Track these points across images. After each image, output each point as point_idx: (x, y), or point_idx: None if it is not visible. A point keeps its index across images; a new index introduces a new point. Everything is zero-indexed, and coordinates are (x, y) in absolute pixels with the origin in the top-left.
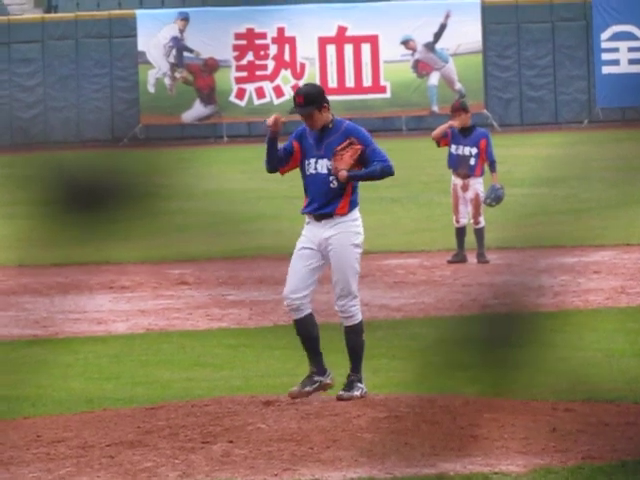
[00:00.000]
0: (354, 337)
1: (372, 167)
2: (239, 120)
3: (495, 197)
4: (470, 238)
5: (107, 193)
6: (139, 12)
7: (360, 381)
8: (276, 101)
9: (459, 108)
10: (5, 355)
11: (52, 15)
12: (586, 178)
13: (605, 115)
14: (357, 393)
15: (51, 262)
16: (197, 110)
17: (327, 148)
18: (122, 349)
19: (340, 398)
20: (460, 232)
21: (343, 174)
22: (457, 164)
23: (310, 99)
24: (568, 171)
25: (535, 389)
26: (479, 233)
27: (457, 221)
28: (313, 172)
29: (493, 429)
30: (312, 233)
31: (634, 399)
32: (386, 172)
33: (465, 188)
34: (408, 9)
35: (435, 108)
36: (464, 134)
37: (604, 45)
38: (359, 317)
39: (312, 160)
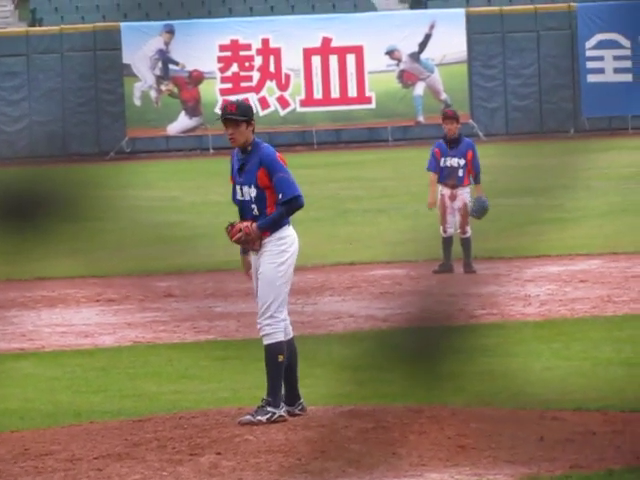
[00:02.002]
0: (267, 357)
1: (279, 211)
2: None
3: (480, 209)
4: (457, 248)
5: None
6: (124, 25)
7: (271, 404)
8: (262, 112)
9: (451, 117)
10: None
11: (37, 28)
12: (572, 187)
13: (591, 124)
14: (262, 418)
15: (37, 276)
16: (182, 122)
17: (247, 174)
18: (109, 362)
19: (239, 422)
20: (447, 242)
21: (253, 231)
22: (446, 176)
23: (242, 110)
24: (554, 180)
25: (522, 398)
26: (466, 243)
27: (444, 231)
28: (240, 198)
29: (480, 439)
30: (253, 258)
31: (621, 408)
32: (294, 208)
33: (453, 198)
34: (393, 19)
35: (421, 118)
36: (451, 145)
37: (589, 54)
38: (275, 338)
39: (238, 187)
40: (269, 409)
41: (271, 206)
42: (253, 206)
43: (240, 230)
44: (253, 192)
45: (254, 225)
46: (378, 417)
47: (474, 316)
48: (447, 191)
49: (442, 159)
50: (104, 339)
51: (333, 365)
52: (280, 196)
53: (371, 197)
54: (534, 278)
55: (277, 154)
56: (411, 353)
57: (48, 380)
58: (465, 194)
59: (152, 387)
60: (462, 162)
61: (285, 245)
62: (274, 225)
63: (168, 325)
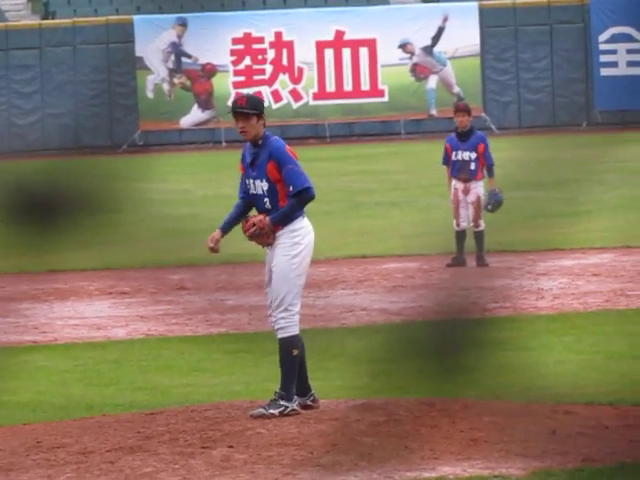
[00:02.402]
0: (281, 351)
1: (290, 204)
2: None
3: (495, 202)
4: (470, 241)
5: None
6: (137, 17)
7: (284, 398)
8: (274, 105)
9: (462, 109)
10: (4, 361)
11: (49, 21)
12: (585, 181)
13: (604, 118)
14: (274, 411)
15: (49, 269)
16: (195, 115)
17: (258, 169)
18: (121, 355)
19: (251, 415)
20: (460, 235)
21: (266, 225)
22: (458, 170)
23: (253, 103)
24: (567, 174)
25: (534, 392)
26: (479, 236)
27: (457, 224)
28: (253, 192)
29: (493, 432)
30: (267, 250)
31: (633, 401)
32: (305, 199)
33: (466, 191)
34: (406, 13)
35: (433, 111)
36: (462, 139)
37: (602, 47)
38: (289, 331)
39: (250, 181)
40: (282, 402)
41: (283, 199)
42: (265, 200)
43: (254, 225)
44: (265, 186)
45: (267, 219)
46: (390, 410)
47: (487, 309)
48: (460, 185)
49: (453, 153)
50: (116, 332)
51: (345, 358)
52: (290, 188)
53: (383, 190)
54: (547, 271)
55: (286, 147)
56: (423, 346)
57: (60, 373)
58: (478, 188)
59: (164, 380)
60: (473, 155)
61: (298, 237)
62: (286, 218)
63: (180, 318)
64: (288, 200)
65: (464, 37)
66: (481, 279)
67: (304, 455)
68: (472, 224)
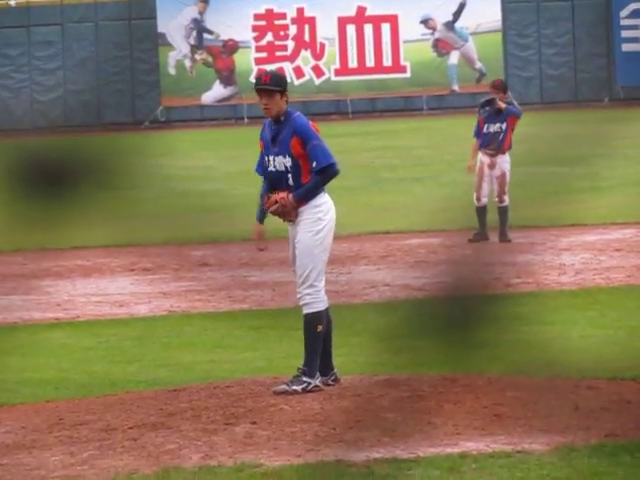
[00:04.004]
0: (305, 327)
1: (314, 180)
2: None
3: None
4: (493, 217)
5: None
6: None
7: (307, 374)
8: (296, 82)
9: (500, 87)
10: (27, 338)
11: None
12: (608, 156)
13: (625, 93)
14: (297, 387)
15: (72, 245)
16: (217, 91)
17: (281, 144)
18: (144, 331)
19: (274, 391)
20: (481, 211)
21: (289, 202)
22: (488, 141)
23: (276, 80)
24: (590, 149)
25: (557, 367)
26: (502, 212)
27: (478, 199)
28: (273, 169)
29: (516, 408)
30: (289, 226)
31: None
32: (329, 176)
33: (492, 166)
34: None
35: (455, 87)
36: (498, 113)
37: (623, 22)
38: (315, 307)
39: (271, 157)
40: (305, 379)
41: (306, 175)
42: (288, 176)
43: (276, 202)
44: (288, 162)
45: (290, 196)
46: (413, 386)
47: (510, 285)
48: (487, 159)
49: (485, 126)
50: (139, 308)
51: (368, 334)
52: (314, 164)
53: (406, 166)
54: (569, 247)
55: (310, 122)
56: (447, 322)
57: (83, 350)
58: (505, 163)
59: (187, 357)
60: (504, 126)
61: (321, 213)
62: (310, 194)
63: (203, 294)
64: (311, 176)
65: (486, 13)
66: (504, 255)
67: (327, 431)
68: (496, 199)
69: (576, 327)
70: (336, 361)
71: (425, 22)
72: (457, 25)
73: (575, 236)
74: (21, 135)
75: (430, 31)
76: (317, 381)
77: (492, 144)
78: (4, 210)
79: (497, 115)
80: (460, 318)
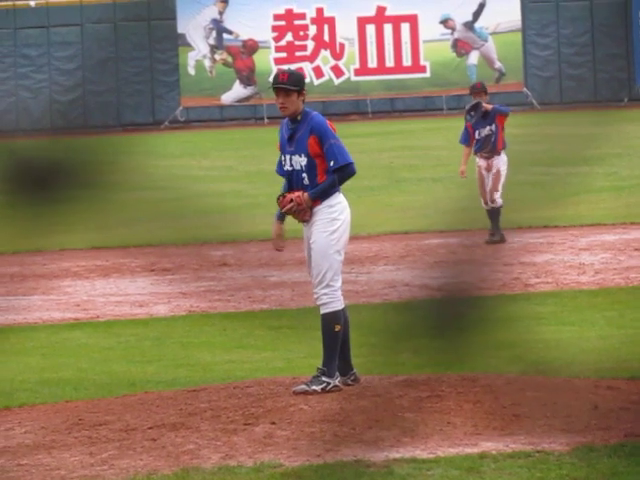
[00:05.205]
0: (323, 327)
1: (330, 179)
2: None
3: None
4: (505, 217)
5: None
6: None
7: (326, 374)
8: (316, 81)
9: (480, 90)
10: (47, 339)
11: None
12: (627, 155)
13: None
14: (316, 387)
15: (91, 245)
16: (237, 91)
17: (298, 144)
18: (163, 331)
19: (294, 391)
20: (491, 213)
21: (304, 200)
22: (481, 146)
23: (294, 79)
24: (609, 149)
25: (576, 367)
26: (495, 211)
27: (485, 203)
28: (289, 169)
29: (535, 408)
30: (304, 227)
31: None
32: (346, 175)
33: (489, 168)
34: None
35: None
36: (485, 116)
37: None
38: (332, 307)
39: (287, 157)
40: (324, 379)
41: (321, 174)
42: (304, 175)
43: (291, 200)
44: (304, 161)
45: (305, 195)
46: (433, 386)
47: (529, 285)
48: (483, 162)
49: (476, 132)
50: (158, 308)
51: (388, 334)
52: (332, 163)
53: (425, 166)
54: (589, 246)
55: (327, 122)
56: (466, 321)
57: (102, 350)
58: (501, 163)
59: (206, 356)
60: (494, 127)
61: (336, 213)
62: (325, 194)
63: (223, 294)
64: (327, 175)
65: (505, 12)
66: (523, 254)
67: (346, 431)
68: (489, 198)
69: (595, 327)
70: (355, 361)
71: (445, 22)
72: (476, 25)
73: (594, 236)
74: (40, 135)
75: (450, 31)
76: (336, 381)
77: (486, 147)
78: (24, 211)
79: (485, 118)
80: (480, 318)
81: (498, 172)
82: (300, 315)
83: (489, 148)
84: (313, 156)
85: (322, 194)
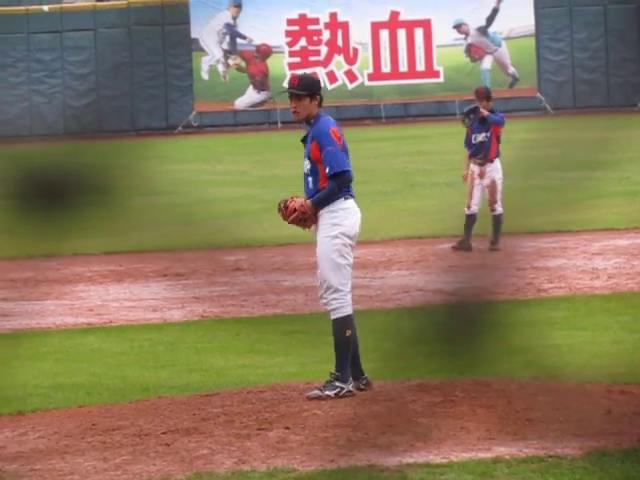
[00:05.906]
0: (335, 332)
1: (329, 186)
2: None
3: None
4: (480, 223)
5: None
6: None
7: (339, 379)
8: (329, 86)
9: (483, 95)
10: (60, 344)
11: (104, 3)
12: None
13: None
14: (330, 392)
15: (104, 250)
16: (250, 96)
17: (306, 148)
18: (177, 336)
19: (307, 396)
20: (470, 219)
21: (308, 208)
22: (476, 151)
23: (305, 84)
24: (622, 153)
25: (590, 371)
26: (496, 220)
27: (468, 207)
28: (304, 171)
29: (548, 412)
30: (313, 232)
31: None
32: (341, 182)
33: (482, 175)
34: None
35: None
36: (482, 122)
37: None
38: (342, 312)
39: (304, 160)
40: (337, 384)
41: (323, 180)
42: (310, 179)
43: (295, 210)
44: (309, 165)
45: (308, 202)
46: (446, 391)
47: (542, 289)
48: (476, 168)
49: (473, 136)
50: (172, 313)
51: (401, 338)
52: (327, 170)
53: (439, 170)
54: (602, 251)
55: (330, 128)
56: (479, 326)
57: (115, 355)
58: (494, 172)
59: (220, 361)
60: (489, 134)
61: (337, 218)
62: (326, 200)
63: (236, 299)
64: (328, 181)
65: (519, 17)
66: (536, 259)
67: (360, 436)
68: (489, 208)
69: (608, 332)
70: (368, 366)
71: (458, 27)
72: (490, 30)
73: (607, 240)
74: (54, 140)
75: (463, 36)
76: (350, 386)
77: (480, 153)
78: (38, 216)
79: (482, 124)
80: (492, 323)
81: (494, 183)
82: (313, 320)
83: (482, 154)
84: (315, 161)
85: (323, 200)
